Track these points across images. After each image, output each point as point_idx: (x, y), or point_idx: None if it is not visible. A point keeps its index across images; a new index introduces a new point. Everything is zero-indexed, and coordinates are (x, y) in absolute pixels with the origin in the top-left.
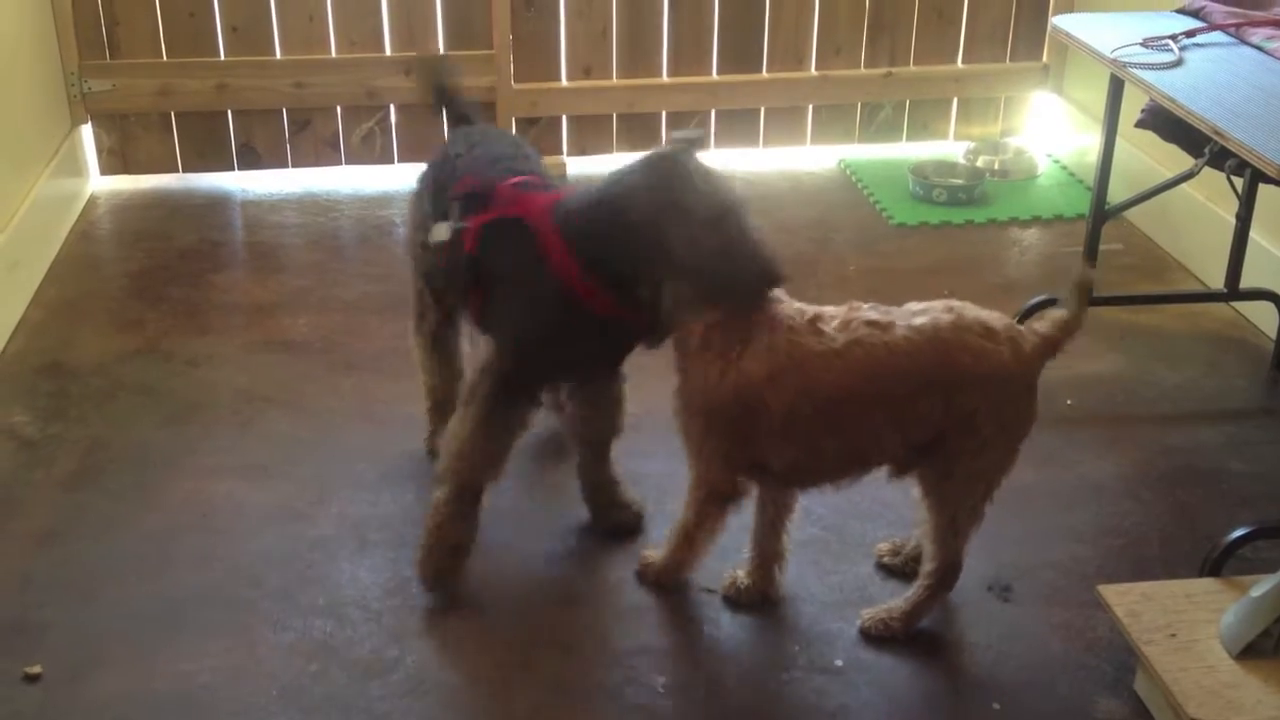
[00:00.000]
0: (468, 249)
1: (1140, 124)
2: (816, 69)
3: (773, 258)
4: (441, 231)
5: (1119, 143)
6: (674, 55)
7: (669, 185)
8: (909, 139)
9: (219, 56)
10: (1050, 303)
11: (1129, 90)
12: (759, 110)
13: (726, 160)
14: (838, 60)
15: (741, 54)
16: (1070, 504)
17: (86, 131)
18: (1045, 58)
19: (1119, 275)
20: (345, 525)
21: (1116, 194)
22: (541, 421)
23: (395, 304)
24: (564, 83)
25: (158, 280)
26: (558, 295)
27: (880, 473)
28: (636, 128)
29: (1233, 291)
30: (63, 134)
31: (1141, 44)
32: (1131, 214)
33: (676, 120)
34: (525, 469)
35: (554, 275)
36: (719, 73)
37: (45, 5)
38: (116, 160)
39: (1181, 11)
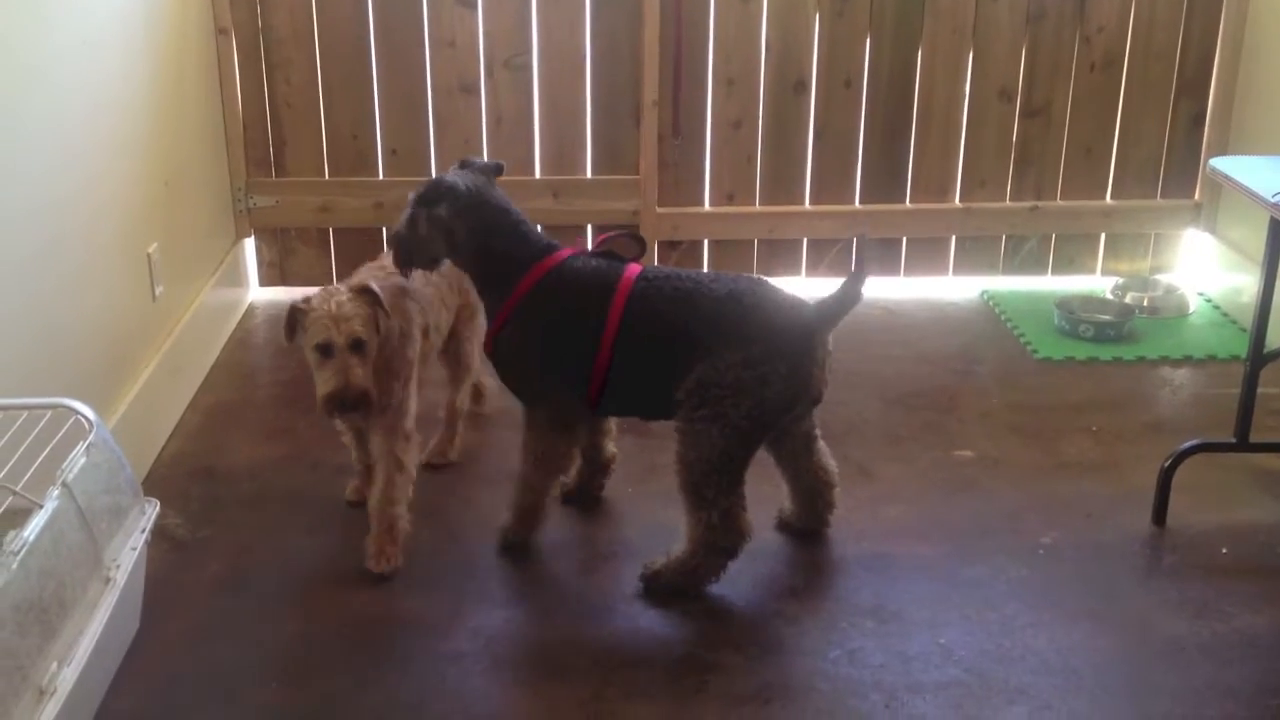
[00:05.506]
0: None
1: None
2: (960, 201)
3: None
4: None
5: (1278, 285)
6: (816, 183)
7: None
8: (1054, 272)
9: (378, 176)
10: (1205, 447)
11: None
12: (901, 240)
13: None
14: (982, 193)
15: (885, 184)
16: (1225, 659)
17: (249, 244)
18: (1198, 195)
19: (1277, 420)
20: (478, 641)
21: (1275, 337)
22: None
23: None
24: (707, 207)
25: (309, 389)
26: None
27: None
28: (779, 253)
29: None
30: (227, 246)
31: None
32: None
33: (817, 247)
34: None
35: None
36: (862, 202)
37: (219, 126)
38: (275, 272)
39: None
